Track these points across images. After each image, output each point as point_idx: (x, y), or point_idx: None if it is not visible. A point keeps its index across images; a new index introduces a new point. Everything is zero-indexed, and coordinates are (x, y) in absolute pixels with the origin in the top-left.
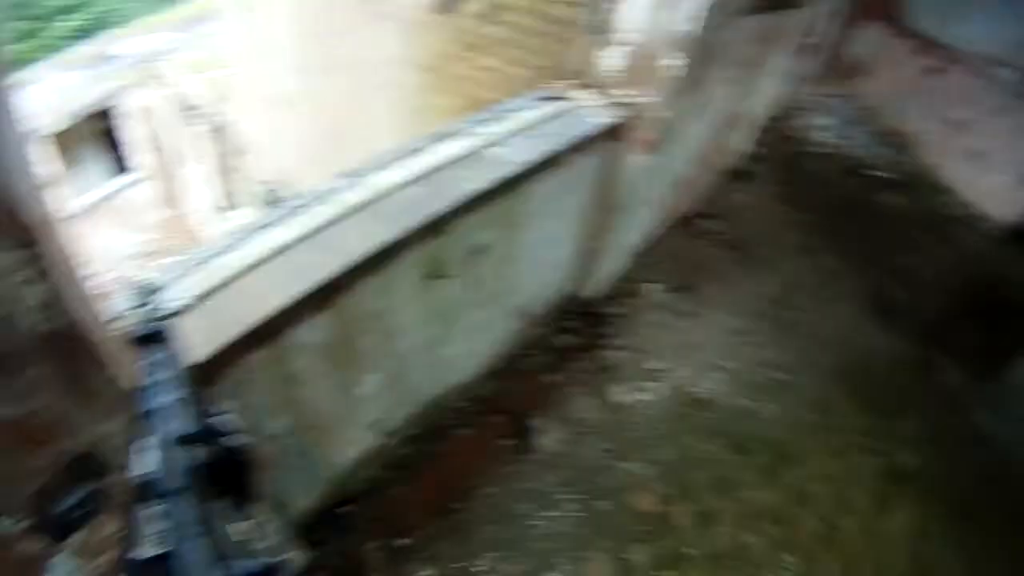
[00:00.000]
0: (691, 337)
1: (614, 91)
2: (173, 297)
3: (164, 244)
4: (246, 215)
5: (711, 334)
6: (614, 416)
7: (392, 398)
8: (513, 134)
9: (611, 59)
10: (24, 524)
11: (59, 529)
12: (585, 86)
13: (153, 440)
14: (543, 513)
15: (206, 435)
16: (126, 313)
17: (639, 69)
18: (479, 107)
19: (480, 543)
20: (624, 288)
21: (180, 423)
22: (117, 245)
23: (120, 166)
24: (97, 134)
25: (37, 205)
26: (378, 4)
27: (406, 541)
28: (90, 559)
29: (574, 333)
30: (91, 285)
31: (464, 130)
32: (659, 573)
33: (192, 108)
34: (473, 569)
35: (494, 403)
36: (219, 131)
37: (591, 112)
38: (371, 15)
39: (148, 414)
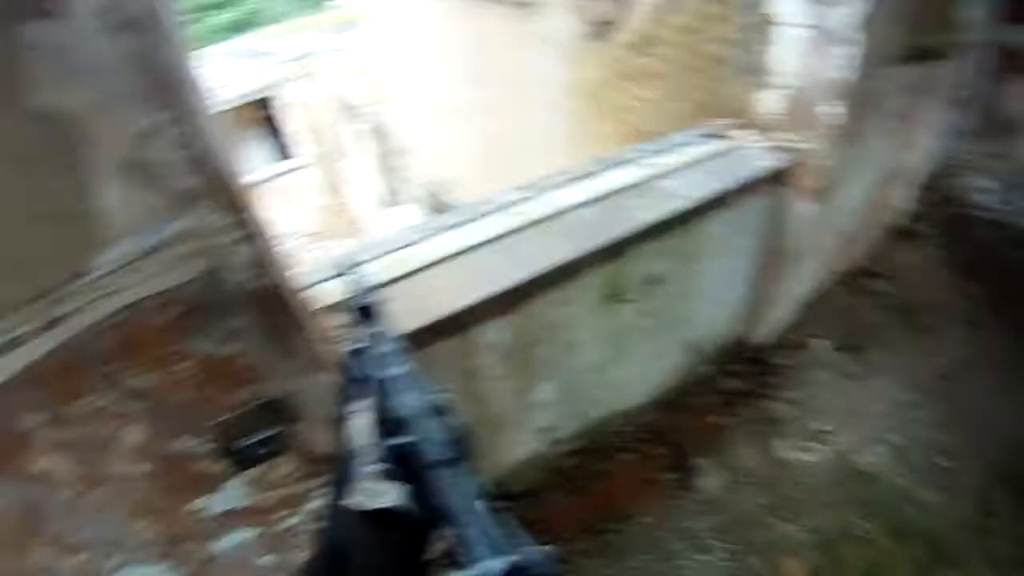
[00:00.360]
0: (857, 402)
1: (775, 134)
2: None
3: (323, 229)
4: (405, 213)
5: (877, 402)
6: (776, 471)
7: (562, 410)
8: (681, 168)
9: (769, 101)
10: (207, 447)
11: (239, 460)
12: (745, 126)
13: (381, 407)
14: (694, 556)
15: (437, 410)
16: (326, 284)
17: (798, 113)
18: (638, 137)
19: (628, 571)
20: (791, 340)
21: (419, 395)
22: (279, 226)
23: (280, 153)
24: (257, 121)
25: (240, 175)
26: (534, 25)
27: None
28: (260, 491)
29: (741, 378)
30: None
31: (634, 159)
32: None
33: (350, 107)
34: None
35: (658, 434)
36: (378, 131)
37: (755, 154)
38: (529, 36)
39: (364, 382)
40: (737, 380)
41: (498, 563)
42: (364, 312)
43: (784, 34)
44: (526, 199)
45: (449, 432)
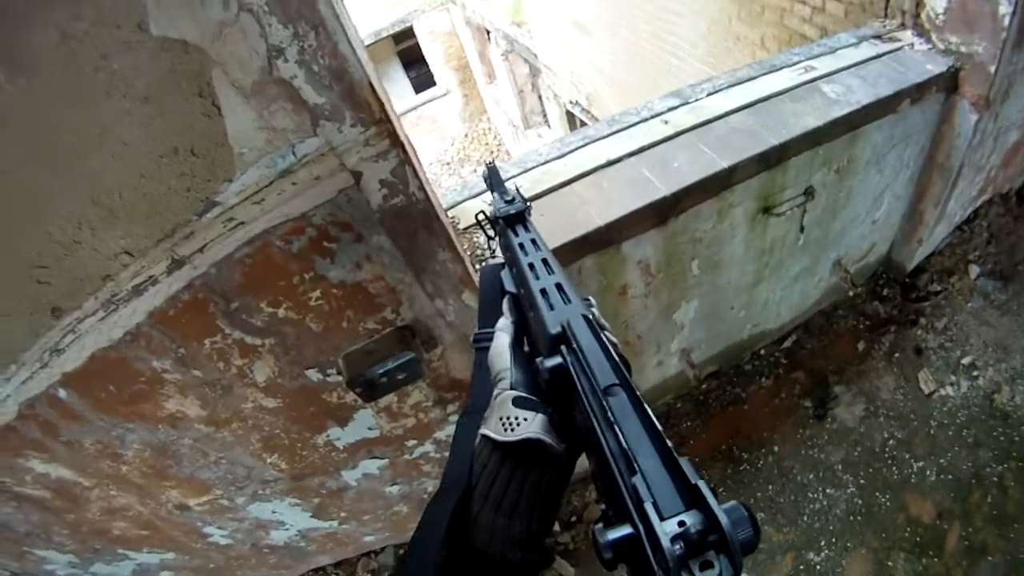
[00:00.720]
0: (1005, 337)
1: (943, 36)
2: (516, 185)
3: (469, 154)
4: (547, 132)
5: None
6: (914, 405)
7: (704, 330)
8: (842, 72)
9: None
10: (337, 378)
11: (370, 389)
12: (909, 27)
13: (529, 324)
14: (823, 489)
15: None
16: (469, 202)
17: (969, 14)
18: (794, 42)
19: (755, 500)
20: (943, 264)
21: (576, 310)
22: (423, 153)
23: (422, 82)
24: (399, 52)
25: (381, 90)
26: None
27: None
28: (390, 420)
29: (887, 302)
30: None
31: (791, 63)
32: None
33: (488, 31)
34: None
35: (798, 358)
36: (515, 53)
37: (921, 57)
38: None
39: (509, 298)
40: (883, 304)
41: (676, 523)
42: (509, 221)
43: None
44: (676, 107)
45: (611, 353)
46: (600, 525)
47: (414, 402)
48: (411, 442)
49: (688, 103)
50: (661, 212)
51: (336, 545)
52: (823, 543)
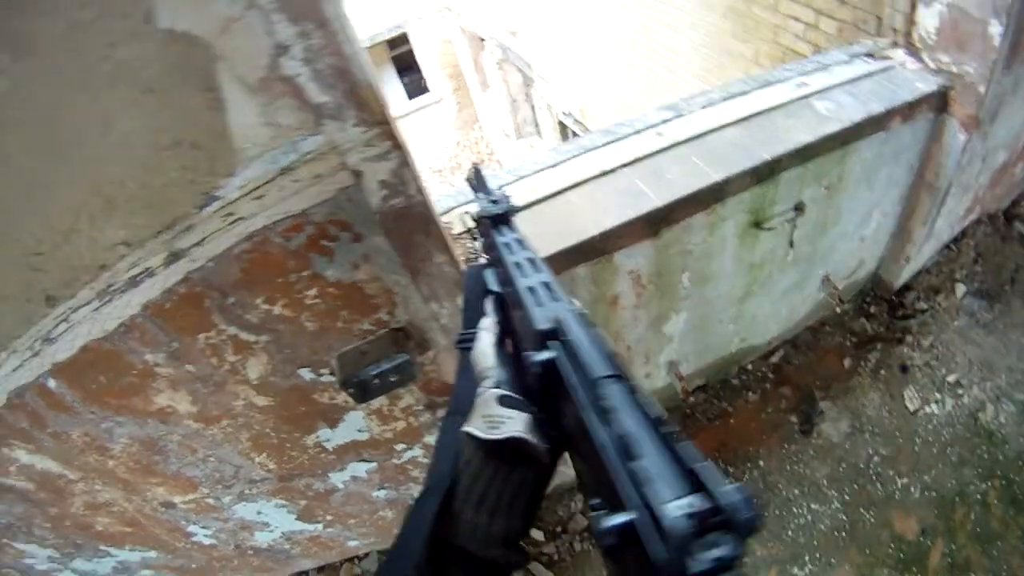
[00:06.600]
0: (990, 355)
1: (933, 55)
2: (502, 186)
3: (458, 162)
4: (538, 143)
5: (1010, 357)
6: (899, 422)
7: (693, 343)
8: (834, 89)
9: (929, 18)
10: (329, 378)
11: (362, 390)
12: (901, 46)
13: (514, 322)
14: (807, 504)
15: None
16: (460, 208)
17: (960, 34)
18: (784, 58)
19: None
20: (930, 282)
21: (565, 306)
22: (415, 159)
23: (415, 89)
24: (393, 58)
25: (383, 92)
26: None
27: None
28: (381, 423)
29: (874, 319)
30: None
31: (784, 78)
32: None
33: (483, 40)
34: None
35: (784, 374)
36: (509, 62)
37: (911, 76)
38: None
39: (494, 296)
40: (870, 321)
41: (684, 505)
42: (495, 221)
43: None
44: (670, 120)
45: (604, 345)
46: (595, 514)
47: (405, 405)
48: (400, 446)
49: (682, 116)
50: (653, 223)
51: (320, 549)
52: (807, 558)
